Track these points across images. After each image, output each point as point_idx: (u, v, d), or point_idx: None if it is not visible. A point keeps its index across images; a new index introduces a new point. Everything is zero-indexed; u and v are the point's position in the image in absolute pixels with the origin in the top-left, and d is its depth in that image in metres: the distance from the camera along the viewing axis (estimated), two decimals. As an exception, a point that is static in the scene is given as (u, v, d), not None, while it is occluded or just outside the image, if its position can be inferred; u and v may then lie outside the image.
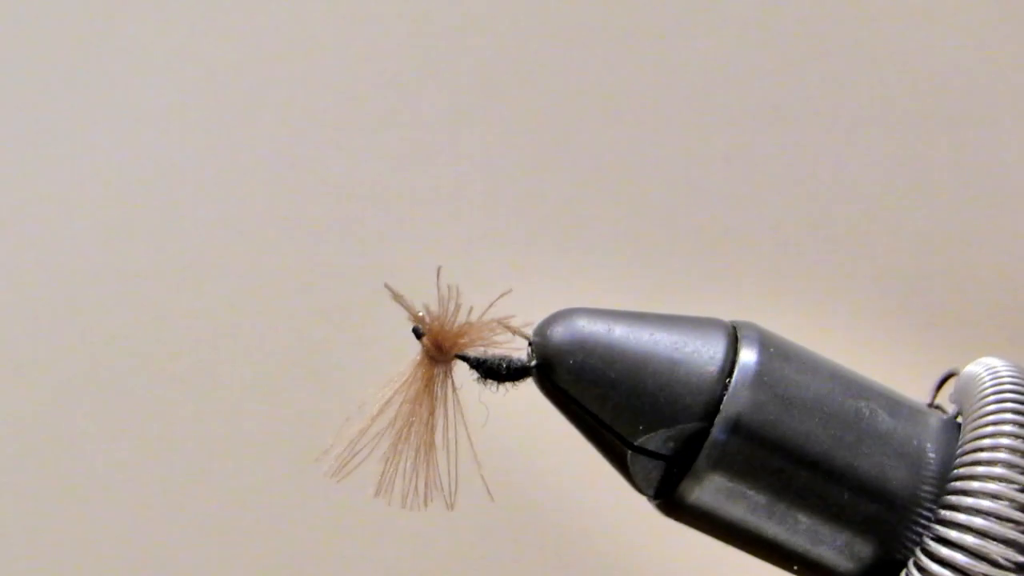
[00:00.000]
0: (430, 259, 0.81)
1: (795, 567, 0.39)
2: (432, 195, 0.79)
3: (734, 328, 0.39)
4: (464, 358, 0.40)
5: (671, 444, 0.38)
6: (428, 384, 0.40)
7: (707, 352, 0.38)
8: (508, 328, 0.41)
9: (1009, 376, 0.39)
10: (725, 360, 0.38)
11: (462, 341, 0.40)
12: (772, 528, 0.38)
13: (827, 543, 0.38)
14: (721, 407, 0.37)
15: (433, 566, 0.79)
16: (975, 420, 0.39)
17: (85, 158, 0.80)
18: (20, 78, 0.80)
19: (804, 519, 0.37)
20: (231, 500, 0.80)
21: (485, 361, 0.40)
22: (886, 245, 0.79)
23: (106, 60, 0.80)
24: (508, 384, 0.41)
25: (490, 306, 0.40)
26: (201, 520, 0.79)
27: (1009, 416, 0.37)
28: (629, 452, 0.38)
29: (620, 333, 0.38)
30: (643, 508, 0.42)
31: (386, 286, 0.40)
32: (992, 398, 0.39)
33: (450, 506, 0.41)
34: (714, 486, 0.37)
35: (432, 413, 0.40)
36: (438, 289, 0.40)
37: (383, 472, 0.40)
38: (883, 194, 0.79)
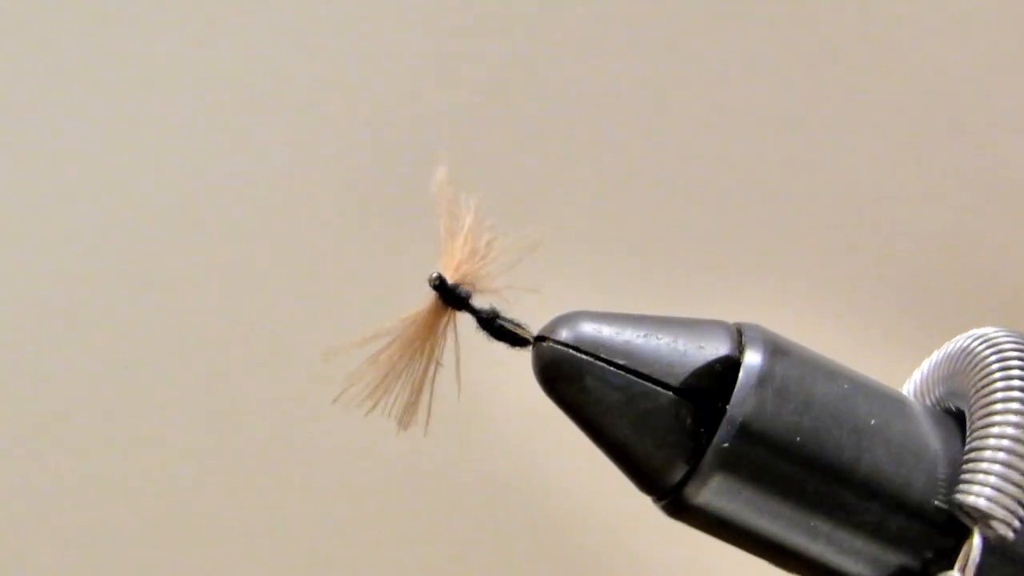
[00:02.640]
0: (433, 260, 0.80)
1: (802, 570, 0.39)
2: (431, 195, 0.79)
3: (738, 330, 0.40)
4: (472, 311, 0.40)
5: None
6: (432, 328, 0.40)
7: (711, 355, 0.38)
8: (510, 328, 0.41)
9: (1014, 349, 0.37)
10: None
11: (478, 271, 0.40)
12: (777, 530, 0.38)
13: (833, 546, 0.38)
14: (726, 410, 0.37)
15: (433, 565, 0.79)
16: (982, 411, 0.37)
17: (93, 162, 0.80)
18: (30, 82, 0.80)
19: (810, 522, 0.38)
20: (233, 503, 0.80)
21: (486, 316, 0.40)
22: (892, 246, 0.79)
23: (117, 64, 0.80)
24: (502, 343, 0.41)
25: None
26: (204, 525, 0.79)
27: (1013, 419, 0.36)
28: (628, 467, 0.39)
29: (624, 336, 0.38)
30: (648, 508, 0.42)
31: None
32: (999, 376, 0.37)
33: (424, 433, 0.41)
34: (719, 489, 0.37)
35: (431, 355, 0.40)
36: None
37: (370, 388, 0.41)
38: (887, 194, 0.79)
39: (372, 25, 0.80)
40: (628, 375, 0.38)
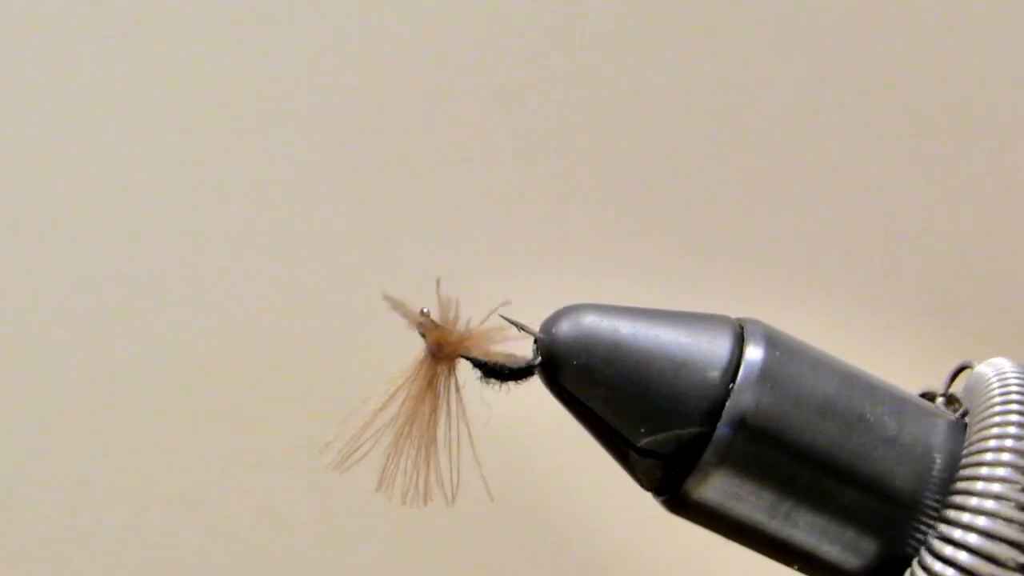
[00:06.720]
0: (436, 257, 0.81)
1: (800, 564, 0.39)
2: (437, 192, 0.79)
3: (740, 325, 0.39)
4: (467, 358, 0.40)
5: (674, 445, 0.38)
6: (431, 382, 0.40)
7: (713, 349, 0.38)
8: (513, 324, 0.41)
9: (1016, 379, 0.40)
10: (731, 358, 0.38)
11: (466, 343, 0.40)
12: (777, 525, 0.38)
13: (831, 541, 0.38)
14: (726, 405, 0.37)
15: (435, 566, 0.79)
16: (981, 422, 0.39)
17: (98, 165, 0.80)
18: (36, 83, 0.81)
19: (809, 516, 0.38)
20: (235, 503, 0.80)
21: (486, 362, 0.40)
22: (895, 242, 0.78)
23: (122, 67, 0.80)
24: (511, 383, 0.41)
25: (492, 312, 0.40)
26: (206, 526, 0.80)
27: (1014, 418, 0.38)
28: (632, 452, 0.39)
29: (626, 330, 0.38)
30: (649, 505, 0.42)
31: (385, 297, 0.40)
32: (998, 399, 0.39)
33: (450, 502, 0.41)
34: (719, 483, 0.37)
35: (434, 411, 0.40)
36: (438, 296, 0.40)
37: (385, 467, 0.40)
38: (892, 192, 0.79)
39: (373, 32, 0.80)
40: (629, 367, 0.38)
